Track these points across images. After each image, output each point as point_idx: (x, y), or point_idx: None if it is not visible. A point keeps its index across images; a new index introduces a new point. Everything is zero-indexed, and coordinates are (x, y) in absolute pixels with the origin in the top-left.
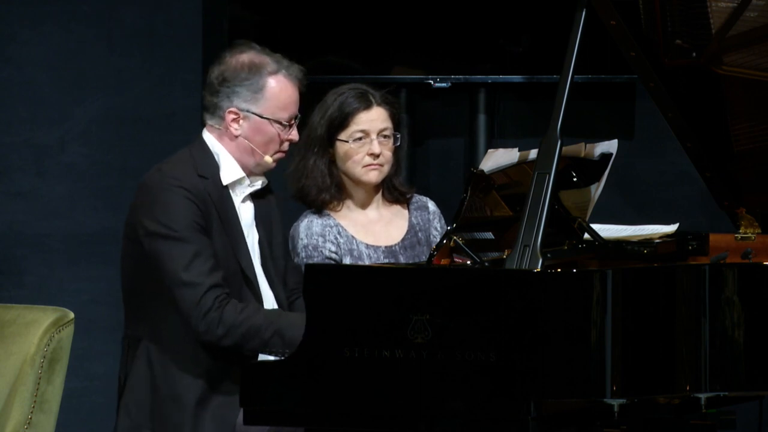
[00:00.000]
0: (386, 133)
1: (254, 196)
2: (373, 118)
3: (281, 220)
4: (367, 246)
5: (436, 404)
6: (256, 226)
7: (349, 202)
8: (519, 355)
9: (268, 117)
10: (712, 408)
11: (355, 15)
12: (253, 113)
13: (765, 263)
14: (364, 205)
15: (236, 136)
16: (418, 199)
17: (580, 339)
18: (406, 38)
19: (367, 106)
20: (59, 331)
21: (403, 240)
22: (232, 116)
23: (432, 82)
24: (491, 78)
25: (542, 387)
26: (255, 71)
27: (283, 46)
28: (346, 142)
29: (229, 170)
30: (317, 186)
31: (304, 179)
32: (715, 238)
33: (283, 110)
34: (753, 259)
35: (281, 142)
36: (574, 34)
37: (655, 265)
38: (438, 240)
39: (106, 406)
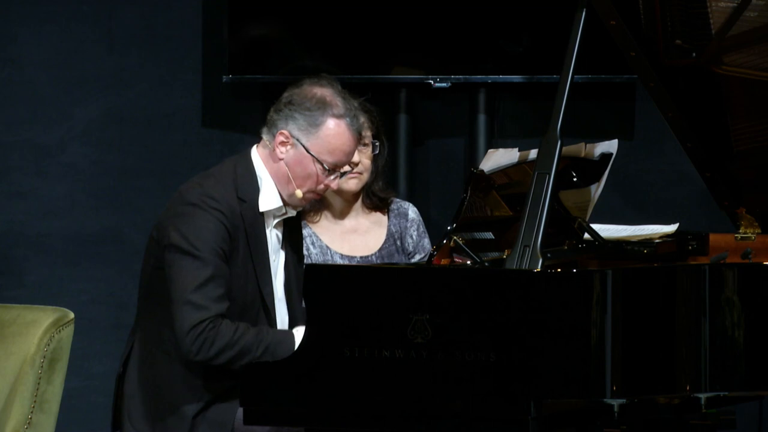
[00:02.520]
0: (364, 141)
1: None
2: None
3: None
4: (342, 256)
5: (436, 404)
6: (284, 247)
7: (327, 212)
8: (519, 355)
9: (313, 154)
10: (712, 408)
11: (355, 15)
12: (301, 144)
13: (765, 263)
14: (342, 215)
15: (279, 159)
16: (400, 205)
17: (580, 339)
18: (406, 38)
19: None
20: (59, 331)
21: (380, 250)
22: (282, 138)
23: (432, 82)
24: (491, 78)
25: (542, 387)
26: (320, 106)
27: (284, 45)
28: None
29: (269, 197)
30: None
31: None
32: (715, 238)
33: (330, 154)
34: (753, 259)
35: (318, 184)
36: (574, 34)
37: (655, 265)
38: (410, 248)
39: (105, 406)
